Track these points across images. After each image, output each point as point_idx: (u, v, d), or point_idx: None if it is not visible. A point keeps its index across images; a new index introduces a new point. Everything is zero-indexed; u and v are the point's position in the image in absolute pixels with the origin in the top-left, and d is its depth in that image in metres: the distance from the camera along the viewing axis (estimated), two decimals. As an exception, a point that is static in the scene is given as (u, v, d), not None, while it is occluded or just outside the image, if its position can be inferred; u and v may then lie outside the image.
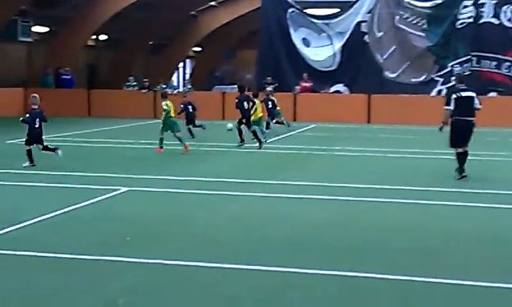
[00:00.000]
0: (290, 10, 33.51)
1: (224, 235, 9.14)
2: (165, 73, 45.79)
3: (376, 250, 8.45)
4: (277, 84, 30.53)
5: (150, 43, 47.82)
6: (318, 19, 33.50)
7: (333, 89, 32.31)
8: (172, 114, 18.33)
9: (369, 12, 32.25)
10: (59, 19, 37.54)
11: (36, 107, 15.82)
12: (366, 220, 10.10)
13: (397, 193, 12.27)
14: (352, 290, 6.96)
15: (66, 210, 10.37)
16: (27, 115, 15.70)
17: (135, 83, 33.54)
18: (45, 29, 38.19)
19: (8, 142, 19.95)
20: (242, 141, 19.48)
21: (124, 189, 12.14)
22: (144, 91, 31.95)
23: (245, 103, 19.88)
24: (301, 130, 25.55)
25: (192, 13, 46.27)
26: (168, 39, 49.47)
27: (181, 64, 57.08)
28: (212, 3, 45.12)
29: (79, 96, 32.43)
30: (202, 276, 7.30)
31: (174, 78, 53.03)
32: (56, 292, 6.69)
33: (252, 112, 20.08)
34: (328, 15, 33.66)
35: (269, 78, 30.86)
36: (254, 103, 20.37)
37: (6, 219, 9.56)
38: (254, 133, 19.65)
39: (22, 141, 19.96)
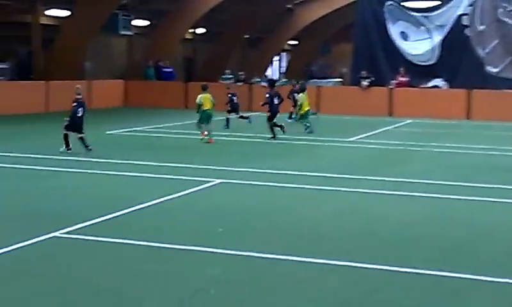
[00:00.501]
0: (387, 3, 32.91)
1: (319, 230, 9.06)
2: (260, 66, 46.06)
3: (471, 250, 8.14)
4: (373, 79, 30.09)
5: (247, 36, 48.15)
6: (417, 12, 32.72)
7: (431, 83, 31.51)
8: (207, 107, 18.80)
9: (471, 5, 31.21)
10: (159, 12, 38.37)
11: (79, 97, 16.31)
12: (462, 217, 9.77)
13: (497, 192, 11.80)
14: (451, 291, 6.72)
15: (161, 200, 10.56)
16: (74, 104, 16.09)
17: (231, 76, 33.86)
18: (144, 23, 39.16)
19: (108, 132, 20.53)
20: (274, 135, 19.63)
21: (217, 181, 12.26)
22: (239, 83, 32.20)
23: (275, 99, 20.60)
24: (397, 125, 25.07)
25: (289, 6, 46.20)
26: (264, 33, 49.66)
27: (276, 58, 57.19)
28: (309, -4, 44.95)
29: (177, 88, 33.04)
30: (294, 270, 7.25)
31: (269, 71, 53.15)
32: (150, 279, 6.80)
33: (298, 107, 21.73)
34: (428, 8, 32.78)
35: (363, 72, 30.46)
36: (282, 99, 21.47)
37: (105, 207, 9.85)
38: (272, 127, 19.82)
39: (123, 131, 20.67)
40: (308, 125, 21.60)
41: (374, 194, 11.63)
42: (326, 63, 57.37)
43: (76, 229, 8.59)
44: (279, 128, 19.94)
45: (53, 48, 32.38)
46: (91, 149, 15.68)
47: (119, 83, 32.60)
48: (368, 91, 29.93)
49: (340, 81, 41.52)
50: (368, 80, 30.02)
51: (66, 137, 15.80)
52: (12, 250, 7.62)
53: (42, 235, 8.20)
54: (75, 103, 16.15)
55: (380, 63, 32.51)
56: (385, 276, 7.13)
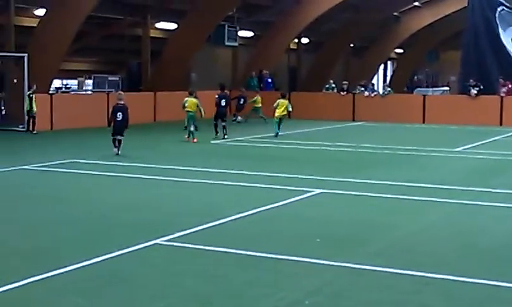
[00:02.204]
0: (499, 9, 31.79)
1: (422, 242, 8.84)
2: (365, 75, 45.56)
3: None
4: (481, 87, 29.11)
5: (351, 45, 47.84)
6: (531, 17, 31.45)
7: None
8: (189, 109, 20.63)
9: None
10: (263, 23, 38.83)
11: (121, 102, 17.50)
12: None
13: None
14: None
15: (261, 209, 10.64)
16: (112, 109, 17.49)
17: (334, 85, 33.72)
18: (249, 34, 39.71)
19: (213, 142, 20.92)
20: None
21: (318, 191, 12.21)
22: (343, 93, 32.01)
23: (222, 101, 22.39)
24: (507, 135, 24.14)
25: (395, 14, 45.52)
26: (369, 41, 49.21)
27: (382, 66, 56.46)
28: (416, 3, 44.06)
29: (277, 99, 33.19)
30: (391, 283, 7.10)
31: (374, 80, 52.51)
32: (247, 288, 6.86)
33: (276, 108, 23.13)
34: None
35: (472, 80, 29.52)
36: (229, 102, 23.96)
37: (205, 216, 10.02)
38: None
39: (226, 141, 21.01)
40: (262, 116, 22.76)
41: (479, 206, 11.23)
42: (435, 71, 56.05)
43: (177, 237, 8.79)
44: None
45: (161, 60, 33.40)
46: (118, 154, 16.95)
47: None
48: (477, 99, 28.99)
49: (447, 90, 40.44)
50: (477, 88, 29.06)
51: (113, 141, 17.27)
52: (116, 256, 7.88)
53: (144, 242, 8.44)
54: (112, 109, 17.52)
55: (490, 71, 31.40)
56: (487, 291, 6.86)
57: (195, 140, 20.35)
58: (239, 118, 24.04)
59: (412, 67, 55.78)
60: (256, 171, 14.59)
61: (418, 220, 10.15)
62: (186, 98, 21.02)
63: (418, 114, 29.71)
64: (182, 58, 33.20)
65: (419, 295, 6.72)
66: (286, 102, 23.74)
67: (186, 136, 20.69)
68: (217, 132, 21.89)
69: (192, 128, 20.56)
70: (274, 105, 23.45)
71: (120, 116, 17.28)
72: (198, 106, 20.82)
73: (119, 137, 17.23)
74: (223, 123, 22.06)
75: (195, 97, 21.08)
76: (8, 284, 6.74)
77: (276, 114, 23.30)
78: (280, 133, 22.92)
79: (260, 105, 29.49)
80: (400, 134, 25.11)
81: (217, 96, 22.76)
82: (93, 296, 6.54)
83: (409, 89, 43.10)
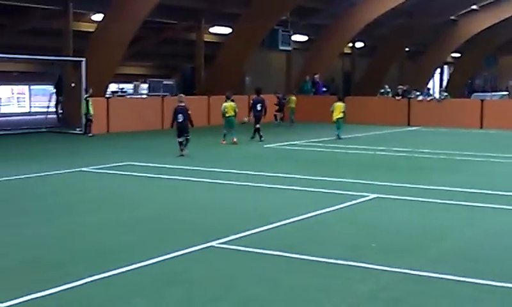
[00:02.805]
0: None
1: (482, 249, 8.63)
2: (420, 79, 44.97)
3: None
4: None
5: (406, 49, 47.30)
6: None
7: None
8: (229, 114, 21.18)
9: None
10: (317, 27, 38.71)
11: (182, 104, 18.04)
12: None
13: None
14: None
15: (315, 213, 10.57)
16: (173, 111, 18.02)
17: (389, 90, 33.36)
18: (303, 38, 39.63)
19: (266, 146, 20.92)
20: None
21: (373, 196, 12.07)
22: (398, 98, 31.63)
23: (258, 106, 22.95)
24: None
25: (453, 17, 44.78)
26: (424, 46, 48.57)
27: (438, 71, 55.64)
28: (474, 7, 43.26)
29: (332, 103, 32.98)
30: (448, 289, 6.94)
31: (430, 85, 51.79)
32: (301, 292, 6.81)
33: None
34: None
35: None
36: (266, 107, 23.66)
37: (259, 219, 10.02)
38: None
39: (279, 145, 20.99)
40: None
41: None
42: (491, 76, 54.94)
43: (232, 240, 8.80)
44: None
45: (214, 64, 33.62)
46: (183, 155, 17.52)
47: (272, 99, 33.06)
48: (537, 104, 28.25)
49: (506, 94, 39.55)
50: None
51: (180, 144, 17.77)
52: (173, 257, 7.94)
53: (201, 245, 8.47)
54: (174, 111, 17.94)
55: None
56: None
57: (235, 140, 20.85)
58: (245, 119, 24.44)
59: (469, 71, 54.79)
60: (311, 175, 14.52)
61: (477, 227, 9.91)
62: (224, 104, 21.61)
63: (476, 119, 29.12)
64: (235, 62, 33.37)
65: (481, 304, 6.55)
66: (342, 104, 23.95)
67: (223, 142, 21.01)
68: (253, 136, 22.58)
69: (233, 131, 21.17)
70: (331, 108, 23.90)
71: (180, 117, 17.80)
72: (235, 110, 21.46)
73: (183, 138, 17.80)
74: (257, 126, 22.60)
75: (232, 101, 21.69)
76: (68, 283, 6.85)
77: (334, 118, 23.61)
78: (341, 136, 23.24)
79: (293, 105, 29.82)
80: (457, 139, 24.66)
81: (252, 100, 23.39)
82: (152, 297, 6.59)
83: (468, 94, 42.30)
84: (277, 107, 29.73)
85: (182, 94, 19.30)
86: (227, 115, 21.36)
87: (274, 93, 30.08)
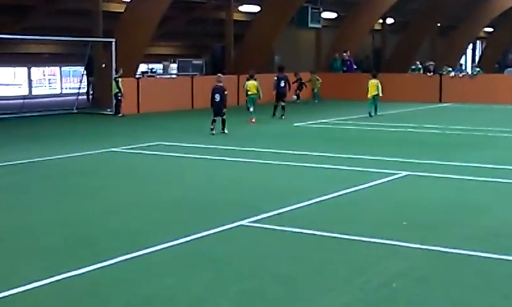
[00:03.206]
0: None
1: (511, 227, 8.50)
2: (452, 55, 44.35)
3: None
4: None
5: (438, 25, 46.60)
6: None
7: None
8: (251, 92, 21.42)
9: None
10: (347, 4, 38.29)
11: (219, 84, 18.35)
12: None
13: None
14: None
15: (346, 191, 10.52)
16: (211, 91, 18.33)
17: (420, 66, 32.94)
18: (333, 15, 39.27)
19: (296, 124, 20.86)
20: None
21: (404, 173, 11.96)
22: (429, 74, 31.24)
23: (281, 82, 23.16)
24: None
25: (485, -9, 44.01)
26: (456, 21, 47.81)
27: (470, 46, 54.82)
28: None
29: (363, 80, 32.69)
30: (483, 267, 6.86)
31: (462, 60, 51.07)
32: (332, 269, 6.79)
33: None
34: None
35: None
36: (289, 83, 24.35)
37: (289, 198, 10.00)
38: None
39: (309, 123, 20.91)
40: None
41: None
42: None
43: (261, 218, 8.79)
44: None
45: (244, 43, 33.50)
46: (224, 132, 17.98)
47: (307, 76, 32.85)
48: None
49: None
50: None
51: (212, 121, 18.05)
52: (202, 237, 7.96)
53: (230, 223, 8.49)
54: (214, 90, 18.27)
55: None
56: None
57: (253, 120, 20.79)
58: (294, 97, 24.68)
59: (503, 46, 53.86)
60: (341, 153, 14.44)
61: (509, 203, 9.76)
62: (247, 82, 21.99)
63: (509, 95, 28.64)
64: (265, 41, 33.21)
65: (502, 282, 6.46)
66: (376, 81, 23.89)
67: (252, 121, 20.97)
68: (274, 114, 22.75)
69: (251, 109, 21.25)
70: (244, 87, 23.01)
71: (217, 97, 18.13)
72: (257, 88, 21.60)
73: (219, 117, 18.12)
74: (283, 104, 22.82)
75: (255, 80, 21.83)
76: (101, 262, 6.93)
77: (369, 95, 23.69)
78: (374, 114, 23.35)
79: (315, 84, 29.73)
80: (490, 115, 24.32)
81: (275, 77, 23.46)
82: (181, 276, 6.63)
83: (501, 69, 41.59)
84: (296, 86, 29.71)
85: (220, 74, 19.60)
86: (249, 93, 21.65)
87: (294, 73, 29.86)
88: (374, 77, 24.47)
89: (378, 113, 23.55)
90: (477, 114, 25.01)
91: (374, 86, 23.74)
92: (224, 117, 18.23)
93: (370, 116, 23.18)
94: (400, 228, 8.37)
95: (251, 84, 21.67)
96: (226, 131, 18.09)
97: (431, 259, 7.22)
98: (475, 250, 7.35)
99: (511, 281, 6.46)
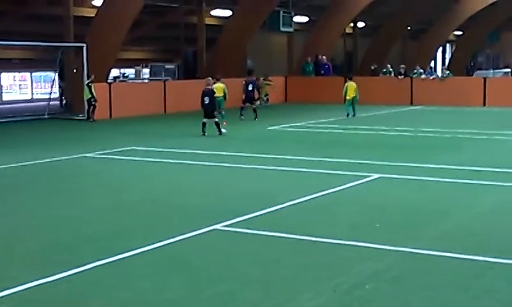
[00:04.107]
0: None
1: (484, 227, 8.67)
2: (423, 58, 44.83)
3: None
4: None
5: (408, 28, 47.10)
6: None
7: None
8: (219, 94, 21.02)
9: None
10: (319, 8, 38.56)
11: (209, 87, 18.99)
12: None
13: None
14: None
15: (319, 194, 10.61)
16: (201, 94, 18.75)
17: (391, 70, 33.28)
18: (304, 19, 39.50)
19: (269, 128, 20.94)
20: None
21: (376, 176, 12.10)
22: (400, 77, 31.58)
23: (249, 86, 23.55)
24: None
25: (454, -6, 44.61)
26: (427, 24, 48.37)
27: (440, 49, 55.45)
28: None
29: (336, 83, 32.92)
30: (451, 267, 6.99)
31: (432, 63, 51.58)
32: (305, 272, 6.86)
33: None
34: None
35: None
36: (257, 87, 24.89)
37: (262, 202, 10.06)
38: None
39: (283, 127, 21.01)
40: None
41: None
42: (494, 53, 54.74)
43: (235, 222, 8.84)
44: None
45: (216, 47, 33.54)
46: (220, 134, 18.33)
47: (279, 79, 33.06)
48: (540, 81, 28.17)
49: (509, 72, 39.46)
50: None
51: (203, 124, 18.48)
52: (177, 241, 7.99)
53: (204, 228, 8.52)
54: (203, 92, 18.66)
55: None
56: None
57: (224, 123, 20.23)
58: (257, 102, 25.00)
59: (472, 49, 54.58)
60: (314, 156, 14.55)
61: (479, 204, 9.95)
62: (214, 85, 21.92)
63: (479, 97, 29.07)
64: (237, 45, 33.30)
65: (482, 280, 6.60)
66: (354, 84, 24.58)
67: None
68: (241, 114, 23.28)
69: (221, 111, 21.44)
70: (344, 90, 24.60)
71: (207, 99, 18.59)
72: (224, 91, 22.08)
73: (211, 120, 18.48)
74: (253, 106, 23.40)
75: (222, 82, 22.31)
76: (77, 267, 6.94)
77: (347, 97, 24.40)
78: (352, 115, 24.27)
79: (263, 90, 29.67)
80: (460, 118, 24.66)
81: (244, 81, 24.01)
82: (157, 280, 6.66)
83: (469, 72, 42.17)
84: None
85: (209, 78, 20.16)
86: (216, 95, 21.32)
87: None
88: (350, 79, 25.14)
89: (347, 117, 24.10)
90: (447, 116, 25.33)
91: (352, 88, 24.35)
92: (216, 119, 18.57)
93: (348, 116, 23.98)
94: (373, 230, 8.48)
95: (218, 87, 21.67)
96: (223, 131, 18.51)
97: (402, 260, 7.33)
98: (445, 250, 7.48)
99: (480, 281, 6.59)
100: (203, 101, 18.63)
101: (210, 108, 18.59)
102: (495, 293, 6.21)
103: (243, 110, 23.37)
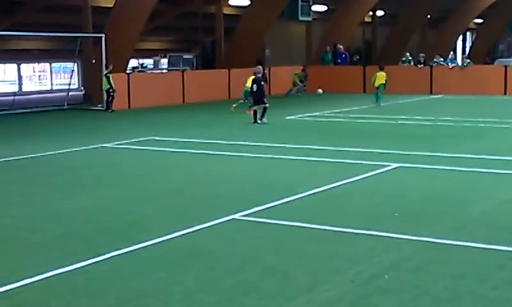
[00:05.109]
0: None
1: (505, 216, 8.56)
2: (443, 46, 44.41)
3: None
4: None
5: (428, 16, 46.68)
6: None
7: None
8: (248, 85, 21.10)
9: None
10: (337, -3, 38.28)
11: (259, 75, 19.56)
12: None
13: None
14: None
15: (337, 184, 10.55)
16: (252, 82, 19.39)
17: (410, 58, 33.01)
18: (323, 8, 39.28)
19: (287, 118, 20.87)
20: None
21: (395, 165, 12.00)
22: (420, 66, 31.31)
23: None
24: None
25: (474, -18, 44.10)
26: (447, 12, 47.93)
27: (460, 38, 54.93)
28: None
29: (355, 72, 32.76)
30: (473, 258, 6.90)
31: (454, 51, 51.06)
32: (324, 262, 6.81)
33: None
34: None
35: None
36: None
37: (281, 191, 10.02)
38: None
39: (301, 117, 20.93)
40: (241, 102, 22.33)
41: None
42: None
43: (253, 212, 8.81)
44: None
45: (234, 37, 33.47)
46: (262, 123, 18.60)
47: (297, 69, 32.88)
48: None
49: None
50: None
51: (254, 113, 19.10)
52: (195, 231, 7.97)
53: (222, 217, 8.50)
54: (253, 81, 19.33)
55: None
56: None
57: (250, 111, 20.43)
58: (320, 90, 25.21)
59: (492, 37, 54.00)
60: (332, 146, 14.47)
61: (500, 194, 9.83)
62: (248, 78, 22.31)
63: (500, 86, 28.76)
64: (255, 34, 33.20)
65: (503, 270, 6.51)
66: (384, 74, 25.14)
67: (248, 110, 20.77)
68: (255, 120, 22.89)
69: (245, 101, 21.79)
70: (373, 78, 25.33)
71: (254, 87, 19.12)
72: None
73: (258, 106, 19.01)
74: (265, 105, 22.55)
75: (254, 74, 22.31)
76: (95, 257, 6.95)
77: (376, 85, 24.98)
78: (380, 104, 24.52)
79: (297, 80, 29.78)
80: (481, 106, 24.42)
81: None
82: (174, 270, 6.64)
83: (492, 60, 41.71)
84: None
85: (259, 66, 20.67)
86: (246, 86, 21.81)
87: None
88: (382, 69, 25.63)
89: (381, 104, 24.50)
90: (467, 105, 25.10)
91: (382, 77, 24.99)
92: (266, 105, 18.96)
93: (380, 105, 24.35)
94: (392, 220, 8.41)
95: (249, 78, 21.42)
96: (264, 120, 18.82)
97: (422, 250, 7.26)
98: (465, 240, 7.40)
99: (500, 271, 6.51)
100: (251, 88, 19.31)
101: (259, 95, 19.04)
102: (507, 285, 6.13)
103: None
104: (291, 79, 30.50)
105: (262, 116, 18.91)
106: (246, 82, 21.69)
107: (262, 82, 19.44)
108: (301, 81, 30.42)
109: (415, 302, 5.80)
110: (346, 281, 6.27)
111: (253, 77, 20.05)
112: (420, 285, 6.16)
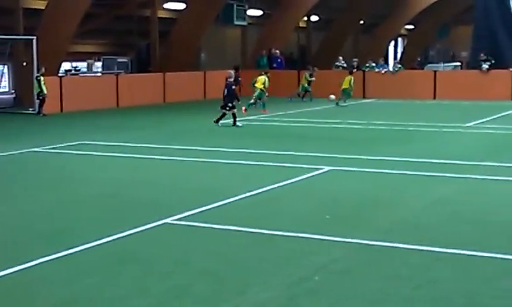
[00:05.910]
0: (510, -19, 31.46)
1: (432, 218, 8.79)
2: (375, 52, 45.25)
3: None
4: (493, 61, 28.88)
5: (361, 22, 47.52)
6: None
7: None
8: (257, 86, 23.32)
9: None
10: (273, 2, 38.58)
11: (230, 80, 19.74)
12: None
13: None
14: None
15: (270, 187, 10.62)
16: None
17: (344, 63, 33.51)
18: (258, 12, 39.47)
19: (221, 121, 20.85)
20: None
21: (327, 168, 12.18)
22: (354, 71, 31.77)
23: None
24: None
25: (405, -11, 45.14)
26: (379, 18, 48.88)
27: (392, 43, 56.10)
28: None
29: (290, 77, 33.00)
30: (400, 258, 7.08)
31: (386, 57, 52.08)
32: (255, 264, 6.86)
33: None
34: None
35: (482, 55, 29.29)
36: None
37: (215, 195, 10.03)
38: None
39: (231, 121, 20.95)
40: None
41: (491, 181, 11.17)
42: (444, 47, 55.64)
43: (186, 216, 8.79)
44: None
45: (169, 40, 33.29)
46: (237, 126, 18.97)
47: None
48: (489, 74, 28.77)
49: (459, 65, 40.16)
50: (489, 63, 28.84)
51: (222, 114, 19.39)
52: (127, 235, 7.90)
53: (154, 222, 8.46)
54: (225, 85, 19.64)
55: (502, 45, 31.14)
56: (497, 265, 6.82)
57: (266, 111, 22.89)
58: (332, 96, 26.31)
59: (423, 43, 55.37)
60: (265, 149, 14.57)
61: (428, 196, 10.10)
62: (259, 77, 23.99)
63: (429, 90, 29.53)
64: (190, 38, 33.10)
65: (429, 270, 6.70)
66: (351, 77, 27.37)
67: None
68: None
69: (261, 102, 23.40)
70: (341, 81, 27.14)
71: (225, 91, 19.42)
72: (264, 83, 23.55)
73: (226, 111, 19.24)
74: (231, 111, 23.00)
75: (266, 75, 24.04)
76: (24, 264, 6.81)
77: (342, 87, 26.97)
78: (342, 105, 26.51)
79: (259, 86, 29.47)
80: (411, 110, 25.02)
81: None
82: (105, 275, 6.58)
83: (422, 65, 42.76)
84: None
85: (230, 71, 20.79)
86: (256, 85, 23.45)
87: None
88: (351, 73, 27.92)
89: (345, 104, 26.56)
90: (398, 109, 25.67)
91: (348, 80, 27.10)
92: (234, 111, 19.18)
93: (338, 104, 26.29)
94: (324, 222, 8.54)
95: (260, 79, 23.36)
96: (238, 124, 19.05)
97: (352, 252, 7.39)
98: (393, 242, 7.57)
99: (428, 270, 6.69)
100: (223, 93, 19.48)
101: (227, 99, 19.22)
102: (438, 284, 6.30)
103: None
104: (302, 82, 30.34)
105: (234, 122, 19.20)
106: (256, 82, 23.26)
107: (233, 86, 19.62)
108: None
109: (344, 303, 5.91)
110: (277, 284, 6.34)
111: (258, 77, 21.99)
112: (349, 287, 6.28)
